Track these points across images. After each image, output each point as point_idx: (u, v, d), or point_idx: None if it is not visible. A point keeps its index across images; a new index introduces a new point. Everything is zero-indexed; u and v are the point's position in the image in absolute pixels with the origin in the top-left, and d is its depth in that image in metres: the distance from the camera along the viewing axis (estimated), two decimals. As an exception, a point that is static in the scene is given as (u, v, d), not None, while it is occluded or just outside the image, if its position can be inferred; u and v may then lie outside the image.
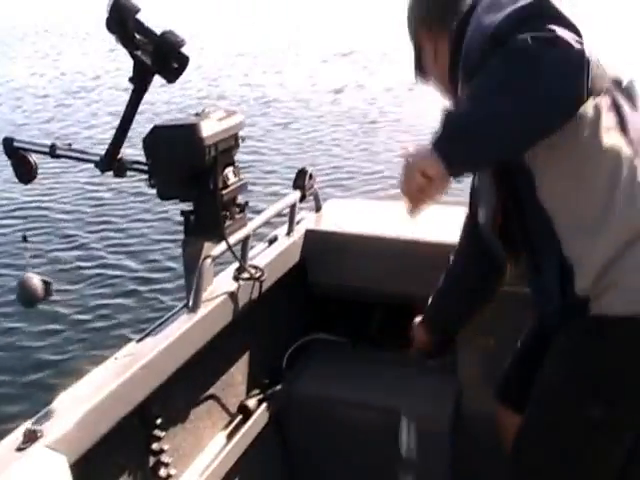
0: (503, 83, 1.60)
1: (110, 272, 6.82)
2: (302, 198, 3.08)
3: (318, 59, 19.05)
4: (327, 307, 3.22)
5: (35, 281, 1.89)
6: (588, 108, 1.74)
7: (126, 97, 2.36)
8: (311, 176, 3.12)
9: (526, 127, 1.65)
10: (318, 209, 3.32)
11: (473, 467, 2.91)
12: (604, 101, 1.79)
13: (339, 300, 3.17)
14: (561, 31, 1.55)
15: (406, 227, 3.03)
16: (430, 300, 2.56)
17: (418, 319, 2.62)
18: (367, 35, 22.05)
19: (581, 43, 1.55)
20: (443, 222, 3.09)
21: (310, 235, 3.10)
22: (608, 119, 1.79)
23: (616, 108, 1.81)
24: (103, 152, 2.46)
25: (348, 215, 3.32)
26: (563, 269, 1.86)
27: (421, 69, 2.15)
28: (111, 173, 2.49)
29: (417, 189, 1.69)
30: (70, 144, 2.61)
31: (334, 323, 3.24)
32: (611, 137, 1.78)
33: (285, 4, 33.63)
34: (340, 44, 20.82)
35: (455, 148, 1.66)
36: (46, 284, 1.91)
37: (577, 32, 1.57)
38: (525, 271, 2.10)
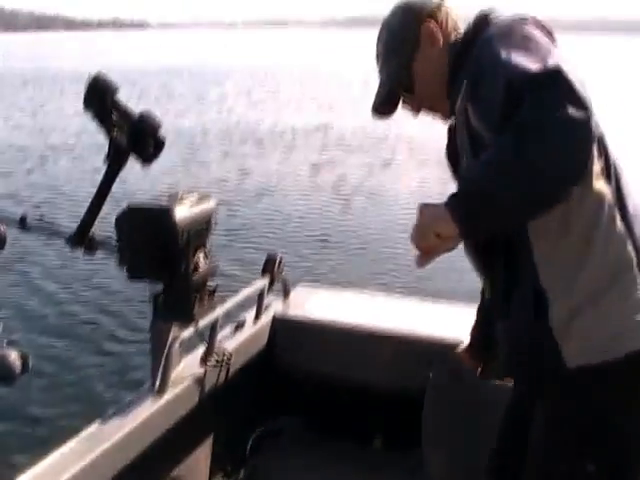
0: (519, 158, 1.64)
1: (77, 348, 6.68)
2: (271, 284, 3.10)
3: (293, 140, 19.28)
4: (293, 393, 3.21)
5: (12, 356, 1.83)
6: None
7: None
8: (280, 262, 3.15)
9: (539, 200, 1.70)
10: (286, 294, 3.34)
11: None
12: (595, 147, 1.84)
13: (305, 386, 3.17)
14: (572, 109, 1.59)
15: (373, 317, 3.07)
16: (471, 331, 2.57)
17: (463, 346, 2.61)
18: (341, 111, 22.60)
19: (589, 118, 1.61)
20: (410, 315, 3.14)
21: (277, 321, 3.11)
22: (598, 165, 1.86)
23: (605, 154, 1.90)
24: (75, 227, 2.45)
25: (316, 302, 3.35)
26: (537, 299, 1.90)
27: (408, 90, 2.15)
28: (81, 249, 2.49)
29: (428, 247, 1.74)
30: (42, 216, 2.60)
31: (299, 410, 3.23)
32: (598, 182, 1.86)
33: (259, 86, 34.50)
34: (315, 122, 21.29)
35: (471, 214, 1.69)
36: (24, 359, 1.84)
37: (586, 106, 1.62)
38: (494, 299, 2.12)
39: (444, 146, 2.20)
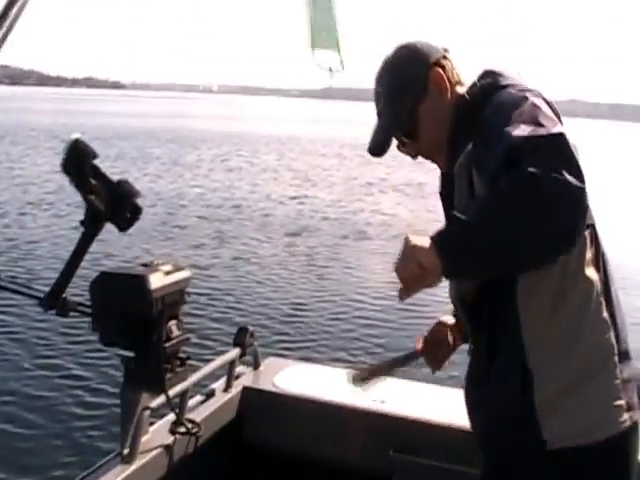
0: (512, 210, 1.64)
1: (44, 411, 6.55)
2: (242, 355, 3.11)
3: (268, 208, 19.35)
4: (261, 466, 3.20)
5: None
6: (579, 241, 1.84)
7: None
8: (252, 334, 3.17)
9: (524, 257, 1.70)
10: (257, 366, 3.34)
11: None
12: (589, 235, 1.93)
13: (273, 460, 3.15)
14: (570, 176, 1.61)
15: (343, 393, 3.07)
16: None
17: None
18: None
19: (585, 187, 1.64)
20: (383, 392, 3.14)
21: (247, 392, 3.11)
22: (590, 252, 1.92)
23: (595, 243, 1.96)
24: (48, 289, 2.44)
25: (286, 375, 3.35)
26: (524, 378, 1.92)
27: (409, 135, 2.13)
28: (54, 311, 2.48)
29: (411, 276, 1.70)
30: (14, 277, 2.60)
31: None
32: (589, 270, 1.91)
33: (236, 152, 34.74)
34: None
35: (456, 255, 1.68)
36: None
37: (582, 176, 1.64)
38: (476, 362, 2.13)
39: (427, 206, 2.22)
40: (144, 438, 2.47)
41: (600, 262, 1.97)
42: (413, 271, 1.69)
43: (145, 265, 2.48)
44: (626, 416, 1.94)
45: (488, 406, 2.08)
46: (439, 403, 3.06)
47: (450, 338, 2.44)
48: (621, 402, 1.94)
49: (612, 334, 1.95)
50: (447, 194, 2.13)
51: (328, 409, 2.99)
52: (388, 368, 2.47)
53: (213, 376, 3.09)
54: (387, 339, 8.80)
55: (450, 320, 2.47)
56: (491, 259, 1.70)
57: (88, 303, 2.44)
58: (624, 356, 1.98)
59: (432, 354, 2.45)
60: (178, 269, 2.54)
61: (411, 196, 21.44)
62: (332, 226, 16.69)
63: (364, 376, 2.39)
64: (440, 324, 2.48)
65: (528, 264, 1.76)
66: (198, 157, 31.75)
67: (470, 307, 2.09)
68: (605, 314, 1.94)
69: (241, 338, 3.11)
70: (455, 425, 2.71)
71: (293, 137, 48.63)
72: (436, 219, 2.36)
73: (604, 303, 1.95)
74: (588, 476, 1.94)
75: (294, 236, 15.42)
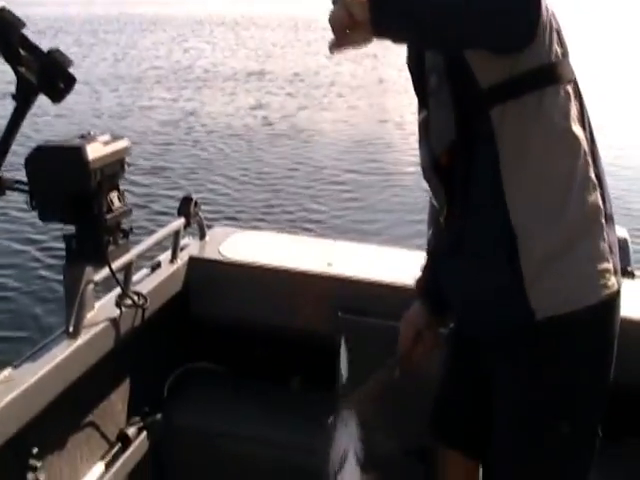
0: None
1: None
2: (186, 225, 3.07)
3: (228, 84, 19.04)
4: (209, 336, 3.20)
5: None
6: (561, 93, 1.82)
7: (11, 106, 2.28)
8: (196, 203, 3.11)
9: (467, 24, 1.67)
10: (202, 237, 3.31)
11: None
12: (572, 90, 1.86)
13: (221, 329, 3.16)
14: None
15: (291, 259, 3.06)
16: (422, 275, 2.33)
17: (409, 312, 2.33)
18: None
19: None
20: (329, 256, 3.14)
21: (193, 263, 3.08)
22: (574, 109, 1.86)
23: (579, 100, 1.89)
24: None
25: (232, 244, 3.32)
26: (508, 244, 1.85)
27: None
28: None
29: (340, 27, 1.65)
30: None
31: (216, 353, 3.22)
32: (575, 127, 1.85)
33: (194, 35, 33.89)
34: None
35: (388, 7, 1.63)
36: None
37: None
38: (450, 232, 2.03)
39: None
40: (90, 313, 2.43)
41: (585, 120, 1.90)
42: (343, 21, 1.63)
43: (82, 137, 2.39)
44: (613, 280, 1.90)
45: (467, 279, 2.00)
46: (385, 264, 3.07)
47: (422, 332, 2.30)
48: (609, 265, 1.89)
49: (599, 195, 1.89)
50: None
51: (275, 275, 2.99)
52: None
53: (158, 249, 3.06)
54: (332, 207, 8.83)
55: (415, 315, 2.32)
56: (425, 17, 1.66)
57: (25, 180, 2.36)
58: (609, 218, 1.93)
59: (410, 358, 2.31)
60: (116, 139, 2.46)
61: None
62: (290, 99, 16.49)
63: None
64: (406, 324, 2.33)
65: (466, 37, 1.72)
66: (155, 40, 31.04)
67: (444, 170, 1.98)
68: (592, 174, 1.88)
69: (185, 208, 3.05)
70: (401, 284, 2.71)
71: (247, 16, 47.45)
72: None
73: (591, 162, 1.88)
74: (579, 343, 1.90)
75: (252, 109, 15.26)
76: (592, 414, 1.97)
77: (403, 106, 14.52)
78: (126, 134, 2.56)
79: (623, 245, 2.86)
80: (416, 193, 7.97)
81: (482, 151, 1.87)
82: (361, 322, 2.77)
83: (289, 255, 3.18)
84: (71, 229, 2.41)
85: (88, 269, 2.40)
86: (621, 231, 2.81)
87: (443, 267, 2.13)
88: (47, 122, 12.53)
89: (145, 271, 2.91)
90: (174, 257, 3.02)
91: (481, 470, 2.37)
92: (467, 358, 2.25)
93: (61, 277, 2.46)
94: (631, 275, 3.05)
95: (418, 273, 2.33)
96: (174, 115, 14.74)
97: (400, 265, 2.75)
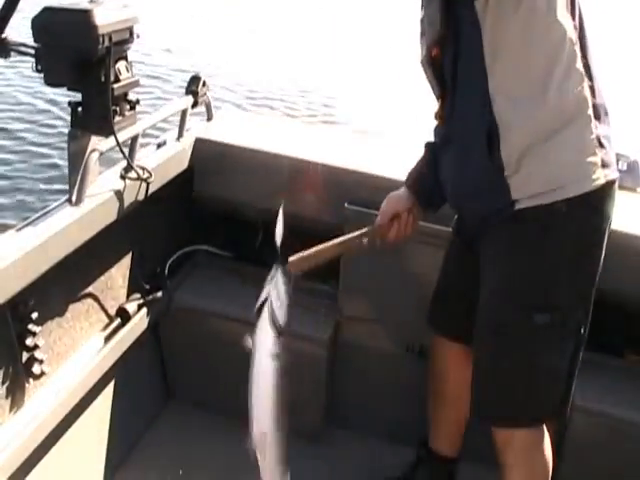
0: None
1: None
2: (194, 104, 3.01)
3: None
4: (212, 219, 3.19)
5: None
6: None
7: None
8: (204, 83, 3.05)
9: None
10: (209, 118, 3.25)
11: (345, 390, 3.00)
12: None
13: (224, 213, 3.13)
14: None
15: (299, 147, 3.02)
16: (416, 163, 2.35)
17: (394, 193, 2.36)
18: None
19: None
20: (339, 146, 3.10)
21: (199, 144, 3.03)
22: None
23: None
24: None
25: (240, 127, 3.27)
26: (489, 133, 1.87)
27: None
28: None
29: None
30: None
31: (218, 236, 3.21)
32: (562, 16, 1.82)
33: None
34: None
35: None
36: None
37: None
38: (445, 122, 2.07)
39: None
40: (94, 183, 2.39)
41: (575, 8, 1.87)
42: None
43: (91, 1, 2.32)
44: (600, 173, 1.89)
45: (455, 169, 2.04)
46: (393, 158, 3.03)
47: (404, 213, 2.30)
48: (595, 159, 1.88)
49: (586, 86, 1.87)
50: None
51: (282, 161, 2.94)
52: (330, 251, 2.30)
53: (165, 130, 3.02)
54: (346, 99, 8.69)
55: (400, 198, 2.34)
56: None
57: (31, 42, 2.30)
58: (601, 112, 1.91)
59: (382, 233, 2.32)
60: (125, 6, 2.39)
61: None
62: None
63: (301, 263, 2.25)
64: (388, 201, 2.34)
65: None
66: None
67: (436, 62, 2.01)
68: (579, 64, 1.86)
69: (193, 87, 2.99)
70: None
71: None
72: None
73: (578, 53, 1.86)
74: (559, 234, 1.91)
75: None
76: (571, 311, 1.97)
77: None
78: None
79: (633, 166, 2.85)
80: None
81: (466, 43, 1.89)
82: (367, 214, 2.74)
83: (297, 143, 3.13)
84: (77, 96, 2.37)
85: (93, 138, 2.35)
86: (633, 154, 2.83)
87: (439, 159, 2.16)
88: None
89: (150, 148, 2.86)
90: (180, 136, 2.97)
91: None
92: (462, 254, 2.31)
93: (66, 146, 2.42)
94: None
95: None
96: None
97: (407, 160, 2.71)
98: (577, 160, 1.88)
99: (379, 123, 7.71)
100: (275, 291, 1.92)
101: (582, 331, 2.01)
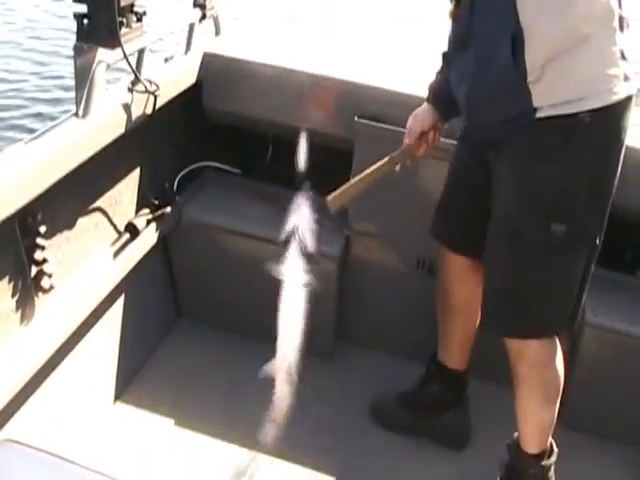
0: None
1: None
2: (202, 18, 2.96)
3: None
4: (221, 135, 3.17)
5: None
6: None
7: None
8: (212, -4, 2.99)
9: None
10: (217, 33, 3.20)
11: (356, 307, 3.01)
12: None
13: (233, 129, 3.11)
14: None
15: (309, 61, 2.97)
16: (435, 77, 2.32)
17: (418, 111, 2.34)
18: None
19: None
20: (351, 61, 3.05)
21: (207, 58, 2.98)
22: None
23: None
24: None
25: (248, 42, 3.22)
26: (514, 38, 1.82)
27: None
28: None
29: None
30: None
31: (227, 152, 3.20)
32: None
33: None
34: None
35: None
36: None
37: None
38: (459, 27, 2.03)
39: None
40: (101, 96, 2.36)
41: None
42: None
43: None
44: (622, 86, 1.87)
45: (473, 73, 1.97)
46: (402, 71, 3.01)
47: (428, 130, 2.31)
48: (618, 71, 1.86)
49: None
50: None
51: (291, 75, 2.90)
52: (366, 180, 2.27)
53: (172, 44, 2.97)
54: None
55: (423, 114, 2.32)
56: None
57: None
58: (624, 24, 1.87)
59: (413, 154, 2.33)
60: None
61: None
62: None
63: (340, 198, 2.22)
64: (414, 121, 2.32)
65: None
66: None
67: None
68: None
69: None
70: (417, 92, 2.62)
71: None
72: None
73: None
74: (579, 144, 1.89)
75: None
76: (587, 223, 1.98)
77: None
78: None
79: None
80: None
81: None
82: (376, 128, 2.72)
83: (307, 57, 3.09)
84: (83, 8, 2.32)
85: (100, 51, 2.31)
86: None
87: (452, 64, 2.11)
88: None
89: (158, 62, 2.83)
90: (188, 50, 2.93)
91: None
92: (468, 165, 2.29)
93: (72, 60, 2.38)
94: None
95: (433, 77, 2.33)
96: None
97: (418, 73, 2.67)
98: (602, 71, 1.85)
99: (390, 39, 7.59)
100: (304, 220, 1.88)
101: (597, 242, 2.02)
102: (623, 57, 1.87)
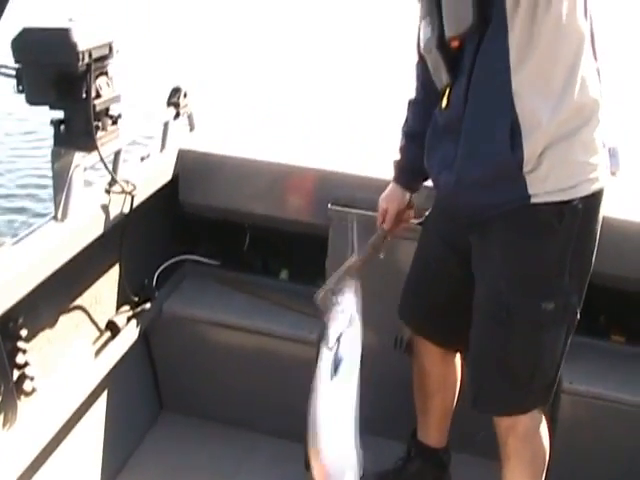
0: None
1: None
2: (176, 116, 3.03)
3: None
4: (199, 228, 3.21)
5: None
6: None
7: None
8: (185, 94, 3.07)
9: None
10: (192, 129, 3.27)
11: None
12: None
13: (209, 221, 3.16)
14: None
15: (281, 153, 3.05)
16: (401, 157, 2.44)
17: (385, 194, 2.48)
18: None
19: None
20: (316, 147, 3.12)
21: (183, 154, 3.05)
22: (580, 3, 1.85)
23: None
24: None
25: (222, 136, 3.29)
26: (512, 125, 1.87)
27: None
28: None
29: None
30: None
31: (204, 244, 3.24)
32: (581, 20, 1.85)
33: None
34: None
35: None
36: None
37: None
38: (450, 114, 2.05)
39: None
40: (79, 199, 2.41)
41: (588, 14, 1.89)
42: None
43: (70, 20, 2.34)
44: (606, 171, 1.98)
45: (463, 160, 2.00)
46: (373, 157, 3.08)
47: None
48: (602, 159, 1.96)
49: (599, 88, 1.92)
50: None
51: (265, 168, 2.97)
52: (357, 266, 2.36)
53: (148, 142, 3.04)
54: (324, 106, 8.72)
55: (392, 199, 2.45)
56: None
57: (11, 63, 2.31)
58: (604, 113, 1.96)
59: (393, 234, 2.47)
60: (103, 24, 2.41)
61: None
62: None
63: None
64: (389, 202, 2.46)
65: None
66: None
67: (452, 52, 2.00)
68: (594, 66, 1.91)
69: (175, 98, 3.01)
70: (388, 178, 2.69)
71: None
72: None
73: (592, 55, 1.91)
74: (572, 227, 1.95)
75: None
76: (570, 297, 2.03)
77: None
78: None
79: (614, 153, 2.90)
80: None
81: (493, 37, 1.88)
82: (350, 214, 2.77)
83: (279, 149, 3.16)
84: (59, 114, 2.38)
85: (77, 154, 2.37)
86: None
87: (432, 151, 2.16)
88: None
89: (134, 161, 2.89)
90: (163, 148, 2.99)
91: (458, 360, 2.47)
92: (441, 255, 2.34)
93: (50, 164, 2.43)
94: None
95: (396, 155, 2.44)
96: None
97: (385, 156, 2.74)
98: (590, 160, 1.93)
99: (356, 125, 7.77)
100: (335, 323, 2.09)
101: (578, 313, 2.07)
102: (604, 145, 1.97)
